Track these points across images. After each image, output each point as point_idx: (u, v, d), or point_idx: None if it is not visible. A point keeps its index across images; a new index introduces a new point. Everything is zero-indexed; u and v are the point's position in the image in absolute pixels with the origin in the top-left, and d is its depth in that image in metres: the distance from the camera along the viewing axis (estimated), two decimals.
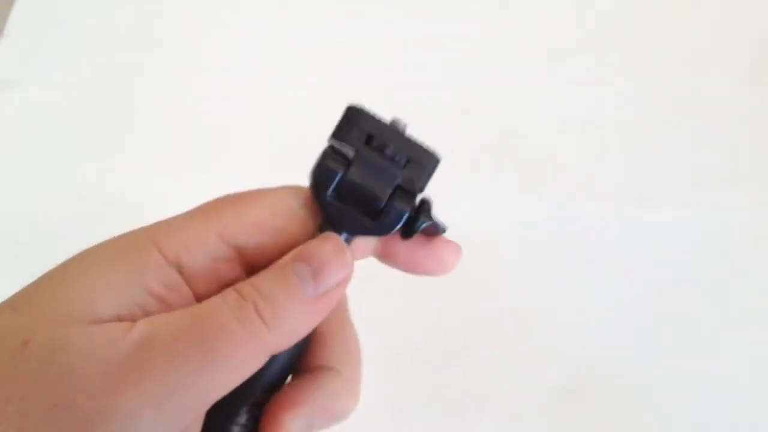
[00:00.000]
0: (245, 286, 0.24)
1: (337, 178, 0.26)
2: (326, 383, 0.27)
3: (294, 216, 0.26)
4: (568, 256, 0.51)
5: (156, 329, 0.23)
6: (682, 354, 0.48)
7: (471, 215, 0.53)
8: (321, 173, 0.26)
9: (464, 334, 0.48)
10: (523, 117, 0.57)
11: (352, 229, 0.26)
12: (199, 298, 0.25)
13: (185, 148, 0.56)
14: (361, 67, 0.60)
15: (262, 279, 0.24)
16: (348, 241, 0.26)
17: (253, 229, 0.26)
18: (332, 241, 0.26)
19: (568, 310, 0.50)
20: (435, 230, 0.27)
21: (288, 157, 0.56)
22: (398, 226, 0.26)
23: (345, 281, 0.26)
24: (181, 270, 0.25)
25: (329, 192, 0.26)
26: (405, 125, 0.26)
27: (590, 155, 0.55)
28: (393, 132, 0.26)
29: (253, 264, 0.26)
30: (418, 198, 0.27)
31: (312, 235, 0.26)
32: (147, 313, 0.24)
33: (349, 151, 0.26)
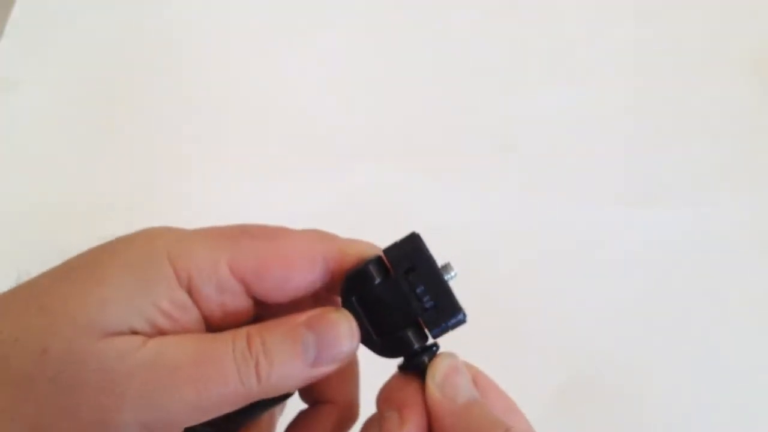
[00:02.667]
0: (255, 337, 0.25)
1: (368, 287, 0.27)
2: (327, 420, 0.30)
3: (309, 271, 0.27)
4: (568, 255, 0.51)
5: (163, 354, 0.24)
6: (682, 354, 0.48)
7: (471, 215, 0.53)
8: (357, 275, 0.27)
9: (463, 333, 0.48)
10: (523, 117, 0.57)
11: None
12: (207, 319, 0.26)
13: (185, 148, 0.56)
14: (362, 67, 0.60)
15: (272, 335, 0.25)
16: None
17: (263, 272, 0.26)
18: (348, 323, 0.26)
19: (568, 309, 0.49)
20: (421, 375, 0.27)
21: (288, 157, 0.56)
22: (400, 355, 0.27)
23: (347, 360, 0.26)
24: (190, 291, 0.25)
25: (355, 295, 0.27)
26: (454, 274, 0.27)
27: (590, 155, 0.55)
28: (435, 275, 0.27)
29: (259, 298, 0.26)
30: (430, 341, 0.27)
31: (321, 296, 0.27)
32: (156, 328, 0.25)
33: (389, 271, 0.27)
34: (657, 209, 0.53)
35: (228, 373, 0.24)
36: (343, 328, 0.26)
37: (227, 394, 0.24)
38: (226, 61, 0.60)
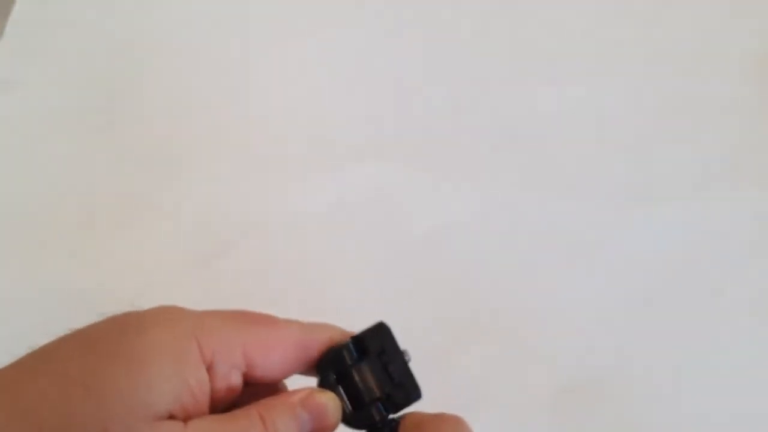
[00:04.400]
0: (267, 419, 0.28)
1: (342, 368, 0.31)
2: None
3: (302, 357, 0.30)
4: (568, 255, 0.51)
5: None
6: (682, 353, 0.48)
7: (471, 215, 0.53)
8: (333, 357, 0.31)
9: (463, 333, 0.48)
10: (523, 117, 0.57)
11: None
12: (212, 398, 0.28)
13: (185, 148, 0.56)
14: (362, 67, 0.60)
15: (279, 417, 0.28)
16: None
17: (267, 356, 0.29)
18: (334, 402, 0.30)
19: (567, 309, 0.50)
20: None
21: (287, 157, 0.56)
22: (366, 427, 0.31)
23: None
24: (209, 369, 0.28)
25: (331, 373, 0.31)
26: (410, 357, 0.31)
27: (590, 155, 0.55)
28: (399, 358, 0.31)
29: (253, 378, 0.29)
30: (391, 416, 0.31)
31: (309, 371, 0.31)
32: (184, 409, 0.27)
33: (360, 353, 0.31)
34: (657, 209, 0.53)
35: None
36: (330, 406, 0.29)
37: None
38: (226, 60, 0.60)
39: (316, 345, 0.30)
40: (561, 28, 0.61)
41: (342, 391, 0.31)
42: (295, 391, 0.30)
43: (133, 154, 0.56)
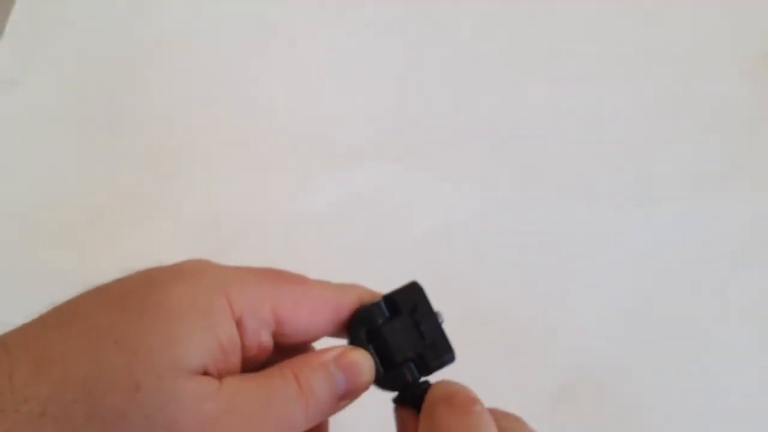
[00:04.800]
0: (302, 378, 0.27)
1: (373, 326, 0.30)
2: None
3: (331, 318, 0.29)
4: (568, 255, 0.51)
5: (238, 401, 0.26)
6: (682, 353, 0.48)
7: (471, 215, 0.53)
8: (364, 315, 0.30)
9: (462, 333, 0.48)
10: (522, 117, 0.57)
11: None
12: (243, 357, 0.27)
13: (185, 148, 0.56)
14: (362, 67, 0.60)
15: (314, 376, 0.28)
16: None
17: (297, 316, 0.28)
18: (368, 360, 0.29)
19: (567, 309, 0.50)
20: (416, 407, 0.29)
21: (287, 157, 0.56)
22: (396, 389, 0.30)
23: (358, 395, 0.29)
24: (239, 326, 0.27)
25: (362, 332, 0.30)
26: (443, 319, 0.31)
27: (590, 155, 0.55)
28: (433, 318, 0.30)
29: (283, 338, 0.29)
30: (423, 378, 0.30)
31: (339, 333, 0.30)
32: (216, 365, 0.26)
33: (391, 312, 0.30)
34: (657, 209, 0.53)
35: (293, 415, 0.27)
36: (364, 365, 0.29)
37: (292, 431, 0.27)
38: (226, 60, 0.60)
39: (347, 305, 0.30)
40: (560, 28, 0.61)
41: (373, 351, 0.29)
42: (327, 349, 0.29)
43: (133, 154, 0.56)
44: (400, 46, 0.60)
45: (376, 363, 0.29)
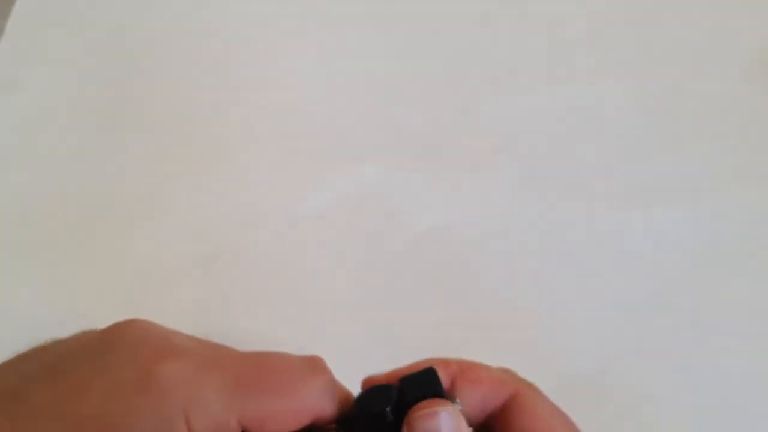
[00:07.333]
0: None
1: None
2: None
3: (314, 421, 0.27)
4: (568, 256, 0.51)
5: None
6: (682, 354, 0.48)
7: (471, 215, 0.53)
8: (375, 418, 0.27)
9: (462, 333, 0.48)
10: (523, 117, 0.57)
11: None
12: None
13: (185, 148, 0.56)
14: (362, 67, 0.60)
15: None
16: None
17: (269, 424, 0.26)
18: None
19: (567, 310, 0.49)
20: None
21: (287, 157, 0.56)
22: None
23: None
24: None
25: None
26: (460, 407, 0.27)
27: (590, 155, 0.55)
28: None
29: None
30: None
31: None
32: None
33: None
34: (657, 210, 0.53)
35: None
36: None
37: None
38: (226, 60, 0.60)
39: (329, 413, 0.27)
40: (561, 29, 0.61)
41: None
42: None
43: (134, 154, 0.56)
44: (401, 46, 0.61)
45: None
